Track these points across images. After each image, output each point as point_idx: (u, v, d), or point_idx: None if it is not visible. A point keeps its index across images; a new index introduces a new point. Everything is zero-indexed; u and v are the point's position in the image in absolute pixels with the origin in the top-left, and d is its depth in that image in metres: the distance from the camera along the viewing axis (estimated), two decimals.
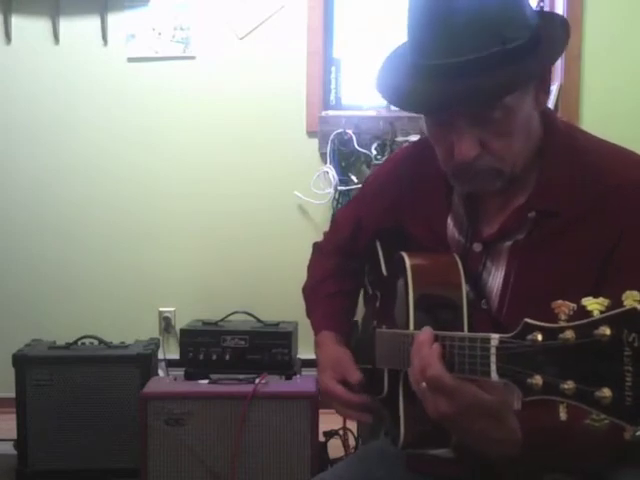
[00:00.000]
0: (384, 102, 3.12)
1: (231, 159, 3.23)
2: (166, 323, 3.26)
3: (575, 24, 3.06)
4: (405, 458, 1.24)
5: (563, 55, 3.10)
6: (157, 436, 2.15)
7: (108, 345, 2.54)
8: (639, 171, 1.09)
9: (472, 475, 1.12)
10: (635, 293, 0.68)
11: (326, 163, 3.15)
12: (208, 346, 2.50)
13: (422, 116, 1.14)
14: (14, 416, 2.43)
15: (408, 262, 1.13)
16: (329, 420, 2.23)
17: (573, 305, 0.73)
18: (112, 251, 3.27)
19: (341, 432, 2.28)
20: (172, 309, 3.27)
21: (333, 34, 3.31)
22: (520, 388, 0.78)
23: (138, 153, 3.24)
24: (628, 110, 3.12)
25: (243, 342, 2.50)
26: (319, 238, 1.55)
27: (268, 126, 3.21)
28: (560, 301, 0.74)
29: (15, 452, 2.46)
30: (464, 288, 1.10)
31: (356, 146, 3.10)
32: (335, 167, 3.12)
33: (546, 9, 3.06)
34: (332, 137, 3.11)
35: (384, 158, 2.85)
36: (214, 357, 2.50)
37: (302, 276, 1.52)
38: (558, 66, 3.14)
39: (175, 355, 2.90)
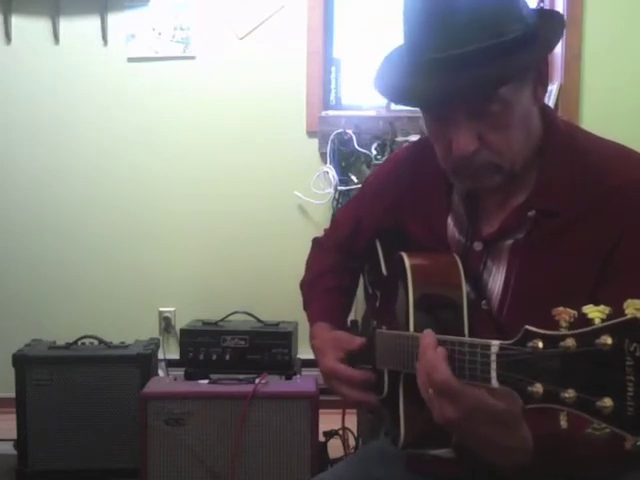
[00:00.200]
0: (384, 102, 3.13)
1: (231, 159, 3.23)
2: (166, 323, 3.26)
3: (575, 24, 3.06)
4: (405, 458, 1.24)
5: (563, 55, 3.10)
6: (157, 436, 2.15)
7: (108, 345, 2.54)
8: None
9: (472, 475, 1.12)
10: (637, 302, 0.67)
11: (326, 163, 3.15)
12: (208, 346, 2.50)
13: (421, 116, 1.14)
14: (14, 416, 2.43)
15: (408, 262, 1.13)
16: (329, 420, 2.23)
17: (574, 312, 0.73)
18: (112, 251, 3.27)
19: (341, 432, 2.28)
20: (172, 309, 3.27)
21: (333, 34, 3.31)
22: (521, 396, 0.78)
23: (138, 153, 3.24)
24: (628, 110, 3.12)
25: (243, 342, 2.50)
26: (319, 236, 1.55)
27: (268, 126, 3.21)
28: (561, 308, 0.73)
29: (15, 452, 2.46)
30: (464, 288, 1.10)
31: (356, 146, 3.10)
32: (335, 167, 3.12)
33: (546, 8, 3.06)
34: (332, 137, 3.11)
35: (384, 158, 2.85)
36: (214, 357, 2.50)
37: (302, 275, 1.51)
38: (558, 66, 3.14)
39: (175, 355, 2.90)
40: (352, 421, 2.30)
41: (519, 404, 0.78)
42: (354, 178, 3.12)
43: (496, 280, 1.13)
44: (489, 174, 1.09)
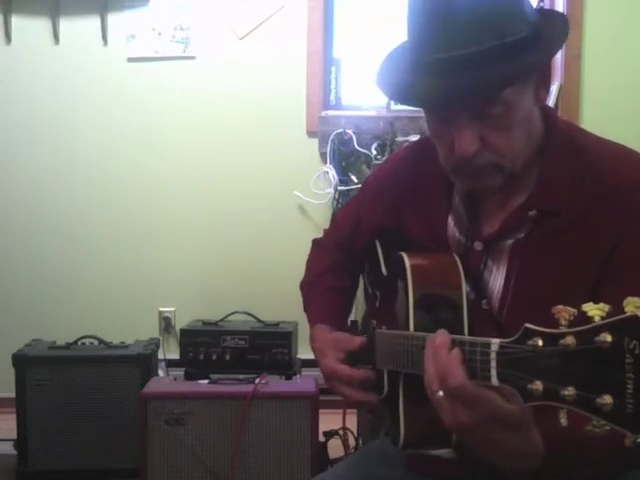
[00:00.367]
0: (384, 102, 3.13)
1: (231, 159, 3.23)
2: (166, 323, 3.26)
3: (575, 24, 3.06)
4: (405, 458, 1.23)
5: (563, 55, 3.10)
6: (157, 436, 2.15)
7: (108, 345, 2.54)
8: None
9: (472, 475, 1.12)
10: (636, 300, 0.67)
11: (326, 163, 3.15)
12: (208, 346, 2.50)
13: (423, 116, 1.14)
14: (14, 416, 2.43)
15: (408, 262, 1.13)
16: (329, 420, 2.23)
17: (574, 310, 0.73)
18: (112, 251, 3.27)
19: (341, 432, 2.28)
20: (172, 309, 3.27)
21: (333, 34, 3.31)
22: (520, 393, 0.78)
23: (138, 153, 3.24)
24: (628, 110, 3.12)
25: (243, 342, 2.50)
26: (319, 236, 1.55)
27: (268, 126, 3.21)
28: (561, 306, 0.73)
29: (15, 452, 2.46)
30: (464, 288, 1.10)
31: (356, 146, 3.10)
32: (335, 167, 3.12)
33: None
34: (332, 137, 3.11)
35: (384, 158, 2.84)
36: (214, 357, 2.50)
37: (302, 276, 1.52)
38: (558, 66, 3.14)
39: (175, 355, 2.89)
40: (352, 421, 2.30)
41: (529, 408, 0.78)
42: (354, 178, 3.12)
43: (496, 280, 1.13)
44: (490, 174, 1.09)
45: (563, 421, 0.73)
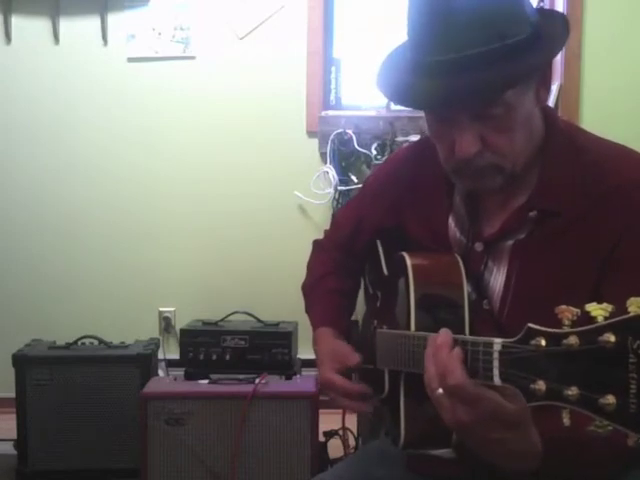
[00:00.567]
0: (384, 102, 3.13)
1: (231, 159, 3.23)
2: (166, 323, 3.26)
3: (575, 23, 3.06)
4: (405, 458, 1.23)
5: (563, 54, 3.10)
6: (157, 436, 2.15)
7: (108, 345, 2.54)
8: None
9: (472, 475, 1.12)
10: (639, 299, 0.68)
11: (326, 163, 3.15)
12: (208, 346, 2.51)
13: (422, 116, 1.14)
14: (14, 416, 2.43)
15: (409, 262, 1.13)
16: (329, 420, 2.23)
17: (577, 310, 0.73)
18: (112, 251, 3.27)
19: (341, 432, 2.28)
20: (172, 309, 3.26)
21: (333, 34, 3.31)
22: (523, 393, 0.78)
23: (138, 153, 3.24)
24: (628, 110, 3.12)
25: (243, 342, 2.50)
26: (319, 238, 1.55)
27: (268, 126, 3.21)
28: (564, 306, 0.73)
29: (15, 452, 2.46)
30: (465, 288, 1.10)
31: (356, 146, 3.10)
32: (335, 167, 3.12)
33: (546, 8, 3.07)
34: (332, 137, 3.11)
35: (384, 158, 2.84)
36: (214, 357, 2.50)
37: (302, 276, 1.51)
38: (558, 65, 3.14)
39: (175, 355, 2.90)
40: (352, 421, 2.30)
41: (528, 407, 0.78)
42: (354, 178, 3.12)
43: (497, 280, 1.13)
44: (491, 175, 1.09)
45: (566, 421, 0.73)
